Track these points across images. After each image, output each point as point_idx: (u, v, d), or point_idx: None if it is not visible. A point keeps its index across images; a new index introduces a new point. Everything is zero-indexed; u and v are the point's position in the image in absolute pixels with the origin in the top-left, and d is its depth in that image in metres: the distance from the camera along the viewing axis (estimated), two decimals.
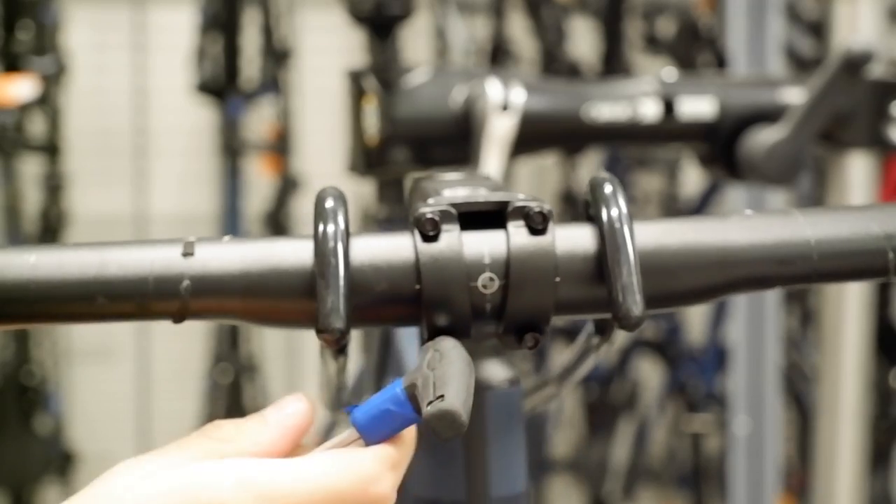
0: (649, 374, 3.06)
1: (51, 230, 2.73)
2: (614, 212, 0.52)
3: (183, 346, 3.10)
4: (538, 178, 3.26)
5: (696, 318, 2.99)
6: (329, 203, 0.52)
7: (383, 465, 0.49)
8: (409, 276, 0.51)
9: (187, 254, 0.51)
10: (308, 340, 3.25)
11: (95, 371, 3.17)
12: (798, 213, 0.55)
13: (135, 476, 0.48)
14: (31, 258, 0.50)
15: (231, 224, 2.90)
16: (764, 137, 1.11)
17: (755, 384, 1.76)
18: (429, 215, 0.51)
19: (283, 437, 0.50)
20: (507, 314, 0.52)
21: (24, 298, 0.50)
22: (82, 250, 0.51)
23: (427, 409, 0.46)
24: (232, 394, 2.84)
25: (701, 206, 2.74)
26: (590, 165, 2.98)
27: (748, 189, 1.65)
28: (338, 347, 0.51)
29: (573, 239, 0.53)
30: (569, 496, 3.11)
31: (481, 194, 0.54)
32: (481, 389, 0.57)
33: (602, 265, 0.52)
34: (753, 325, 1.76)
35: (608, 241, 0.51)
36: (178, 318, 0.51)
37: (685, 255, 0.53)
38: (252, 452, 0.49)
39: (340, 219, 0.51)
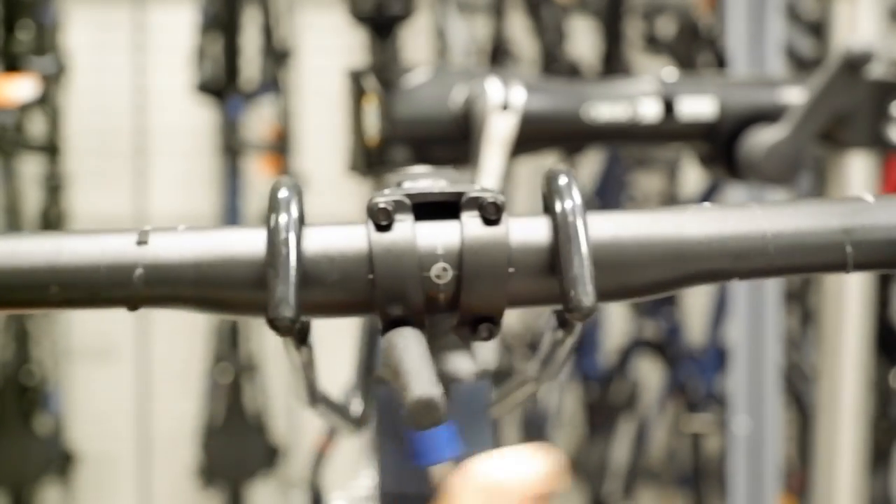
0: (649, 374, 3.06)
1: (50, 230, 2.73)
2: (567, 203, 0.52)
3: (183, 345, 3.10)
4: (537, 178, 3.26)
5: (696, 318, 2.99)
6: (282, 193, 0.52)
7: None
8: (361, 266, 0.51)
9: (141, 242, 0.51)
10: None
11: (95, 371, 3.17)
12: (756, 205, 0.55)
13: None
14: None
15: (231, 223, 2.90)
16: (764, 137, 1.11)
17: (755, 384, 1.76)
18: (381, 205, 0.52)
19: None
20: (461, 305, 0.52)
21: None
22: (37, 238, 0.52)
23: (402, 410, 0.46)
24: (232, 393, 2.84)
25: None
26: (590, 165, 2.98)
27: (748, 189, 1.65)
28: (290, 337, 0.51)
29: (527, 230, 0.52)
30: (569, 496, 3.11)
31: (439, 185, 0.54)
32: (444, 382, 0.57)
33: (555, 256, 0.52)
34: (753, 324, 1.76)
35: (561, 232, 0.51)
36: (132, 306, 0.51)
37: (639, 248, 0.53)
38: None
39: (294, 209, 0.51)
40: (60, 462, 2.85)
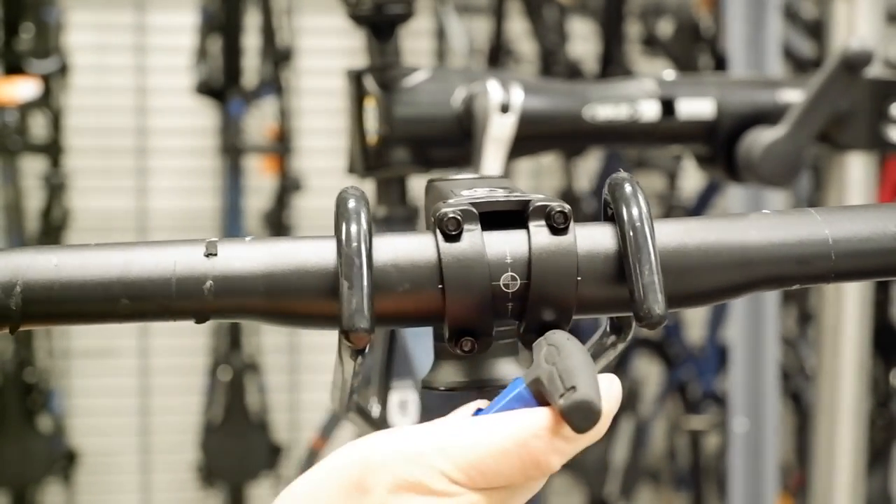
0: (648, 373, 3.07)
1: (53, 229, 2.74)
2: (635, 211, 0.52)
3: (184, 343, 3.11)
4: (537, 178, 3.27)
5: (695, 318, 2.99)
6: (351, 203, 0.52)
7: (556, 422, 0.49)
8: (431, 276, 0.51)
9: (210, 254, 0.51)
10: (308, 337, 3.26)
11: (97, 368, 3.17)
12: (815, 212, 0.55)
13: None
14: (53, 259, 0.50)
15: (232, 224, 2.91)
16: (762, 138, 1.11)
17: (754, 384, 1.76)
18: (451, 215, 0.51)
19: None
20: (528, 313, 0.52)
21: (47, 299, 0.50)
22: (105, 251, 0.51)
23: (561, 402, 0.46)
24: (233, 391, 2.84)
25: (699, 207, 2.74)
26: (589, 165, 2.99)
27: (747, 189, 1.66)
28: (361, 348, 0.51)
29: (594, 238, 0.53)
30: (569, 496, 3.12)
31: (500, 194, 0.54)
32: (497, 389, 0.57)
33: (623, 264, 0.52)
34: (752, 325, 1.76)
35: (629, 240, 0.51)
36: (202, 318, 0.51)
37: (705, 255, 0.53)
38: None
39: (363, 219, 0.51)
40: (63, 461, 2.85)
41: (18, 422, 2.71)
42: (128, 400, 3.20)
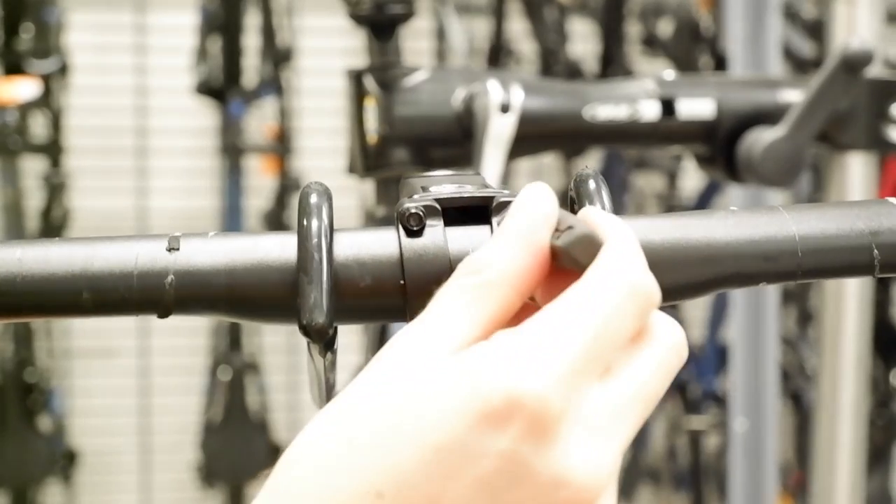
0: None
1: (53, 229, 2.74)
2: (598, 207, 0.52)
3: (184, 343, 3.11)
4: (537, 178, 3.26)
5: (695, 318, 2.99)
6: (313, 198, 0.52)
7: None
8: (393, 271, 0.52)
9: (172, 248, 0.52)
10: None
11: (97, 368, 3.17)
12: (783, 209, 0.55)
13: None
14: (16, 252, 0.51)
15: (232, 224, 2.91)
16: (762, 138, 1.11)
17: (754, 384, 1.76)
18: (413, 210, 0.52)
19: (534, 258, 0.46)
20: None
21: (9, 292, 0.50)
22: (68, 245, 0.52)
23: (561, 239, 0.46)
24: (233, 391, 2.84)
25: (699, 207, 2.74)
26: (588, 164, 2.98)
27: (747, 190, 1.66)
28: (323, 343, 0.52)
29: None
30: None
31: (467, 190, 0.54)
32: None
33: None
34: (752, 325, 1.76)
35: None
36: (163, 312, 0.52)
37: (670, 251, 0.53)
38: (513, 278, 0.45)
39: (324, 214, 0.52)
40: (63, 461, 2.85)
41: (18, 422, 2.71)
42: (128, 400, 3.20)
